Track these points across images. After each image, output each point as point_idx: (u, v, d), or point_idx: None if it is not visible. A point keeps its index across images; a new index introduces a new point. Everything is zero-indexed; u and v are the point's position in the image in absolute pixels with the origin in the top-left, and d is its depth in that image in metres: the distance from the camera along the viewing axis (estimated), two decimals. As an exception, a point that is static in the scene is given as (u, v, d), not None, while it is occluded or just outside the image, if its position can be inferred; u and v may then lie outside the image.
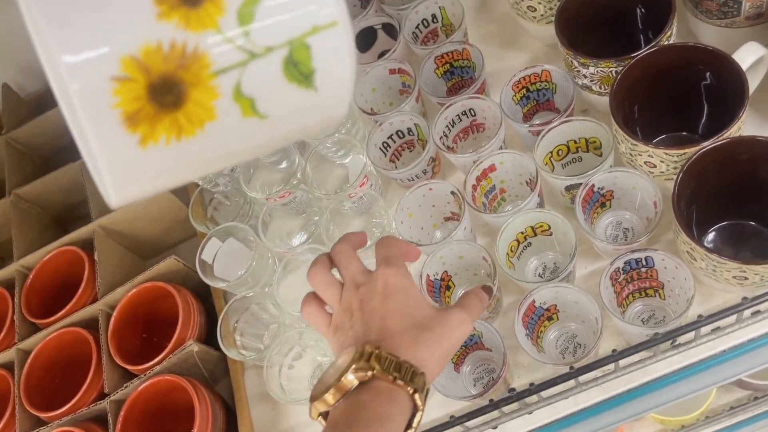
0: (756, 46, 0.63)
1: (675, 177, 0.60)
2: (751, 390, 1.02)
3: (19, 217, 0.92)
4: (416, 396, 0.42)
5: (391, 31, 0.88)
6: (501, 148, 0.74)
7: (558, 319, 0.68)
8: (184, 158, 0.29)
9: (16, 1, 0.27)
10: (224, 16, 0.28)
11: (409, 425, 0.43)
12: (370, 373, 0.41)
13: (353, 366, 0.41)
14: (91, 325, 0.81)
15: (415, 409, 0.43)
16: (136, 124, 0.27)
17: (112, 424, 0.72)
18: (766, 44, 0.65)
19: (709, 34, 0.71)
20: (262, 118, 0.30)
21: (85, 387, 0.75)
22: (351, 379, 0.41)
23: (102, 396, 0.76)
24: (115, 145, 0.27)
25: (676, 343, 0.65)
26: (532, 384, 0.62)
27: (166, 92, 0.27)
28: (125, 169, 0.28)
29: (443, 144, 0.77)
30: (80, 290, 0.81)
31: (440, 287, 0.71)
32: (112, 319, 0.78)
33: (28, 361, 0.79)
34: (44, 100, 1.06)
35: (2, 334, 0.83)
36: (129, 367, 0.76)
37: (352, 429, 0.39)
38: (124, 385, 0.74)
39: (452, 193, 0.72)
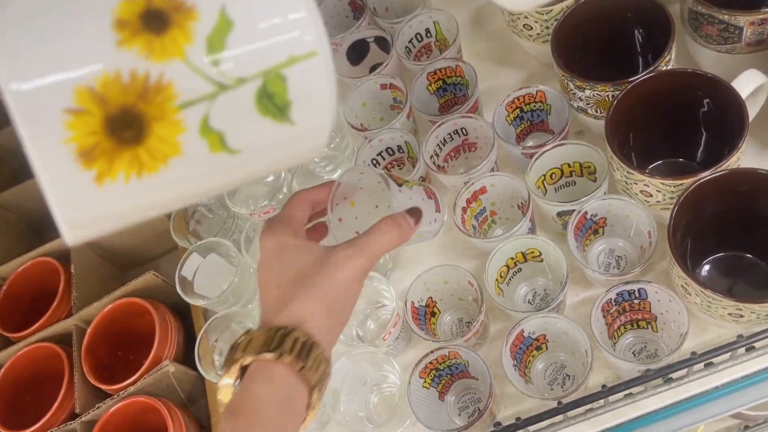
0: (756, 74, 0.61)
1: (671, 207, 0.58)
2: (741, 420, 1.00)
3: (-5, 224, 0.89)
4: (287, 358, 0.38)
5: (383, 44, 0.86)
6: (493, 169, 0.72)
7: (547, 348, 0.66)
8: (145, 196, 0.27)
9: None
10: (192, 44, 0.25)
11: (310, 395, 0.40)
12: (237, 366, 0.39)
13: (224, 365, 0.40)
14: (64, 340, 0.78)
15: (304, 378, 0.39)
16: (91, 160, 0.25)
17: (82, 447, 0.69)
18: (766, 71, 0.63)
19: (709, 60, 0.69)
20: (232, 153, 0.27)
21: (55, 406, 0.72)
22: (225, 384, 0.40)
23: (73, 416, 0.73)
24: (67, 182, 0.24)
25: (668, 377, 0.63)
26: (518, 418, 0.59)
27: (125, 126, 0.25)
28: (79, 207, 0.25)
29: (434, 163, 0.74)
30: (55, 304, 0.79)
31: (425, 314, 0.69)
32: (87, 335, 0.76)
33: (-2, 376, 0.76)
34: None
35: (-28, 347, 0.80)
36: (102, 386, 0.73)
37: (237, 419, 0.38)
38: (96, 405, 0.71)
39: (381, 178, 0.63)
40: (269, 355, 0.38)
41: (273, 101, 0.27)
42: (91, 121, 0.24)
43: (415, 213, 0.47)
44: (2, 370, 0.76)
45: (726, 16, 0.63)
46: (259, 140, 0.28)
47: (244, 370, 0.40)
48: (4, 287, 0.83)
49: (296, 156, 0.30)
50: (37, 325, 0.79)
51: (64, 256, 0.84)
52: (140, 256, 0.91)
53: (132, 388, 0.71)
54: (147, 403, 0.69)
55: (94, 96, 0.24)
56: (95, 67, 0.24)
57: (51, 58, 0.24)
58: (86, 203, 0.25)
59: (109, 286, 0.82)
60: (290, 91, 0.27)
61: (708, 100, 0.63)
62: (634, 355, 0.65)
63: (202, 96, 0.26)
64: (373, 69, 0.85)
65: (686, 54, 0.73)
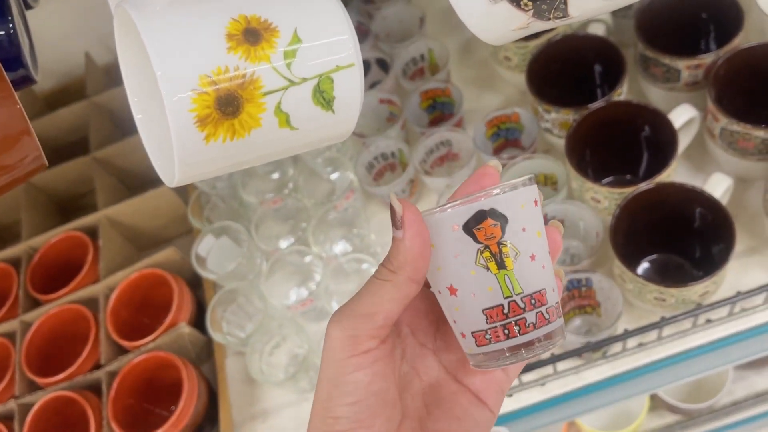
0: (688, 108, 0.75)
1: (613, 213, 0.71)
2: (681, 414, 1.13)
3: (29, 202, 1.00)
4: None
5: (383, 65, 0.99)
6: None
7: (509, 327, 0.79)
8: (233, 154, 0.39)
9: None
10: (274, 53, 0.38)
11: None
12: None
13: None
14: (90, 304, 0.89)
15: None
16: (204, 125, 0.37)
17: (106, 392, 0.80)
18: (700, 107, 0.77)
19: (656, 95, 0.83)
20: (293, 129, 0.40)
21: (82, 358, 0.83)
22: None
23: (97, 367, 0.84)
24: (187, 138, 0.37)
25: (607, 354, 0.76)
26: (481, 378, 0.72)
27: (228, 104, 0.37)
28: (191, 157, 0.37)
29: (422, 168, 0.87)
30: (84, 271, 0.90)
31: None
32: (111, 299, 0.87)
33: (30, 332, 0.87)
34: (55, 98, 1.15)
35: (6, 307, 0.91)
36: (124, 343, 0.84)
37: None
38: (119, 357, 0.82)
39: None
40: None
41: (323, 95, 0.40)
42: (207, 99, 0.36)
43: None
44: (34, 326, 0.87)
45: (667, 61, 0.77)
46: (311, 122, 0.40)
47: None
48: (37, 256, 0.94)
49: (333, 136, 0.43)
50: (66, 289, 0.90)
51: (90, 231, 0.95)
52: (158, 238, 1.02)
53: (151, 344, 0.82)
54: (164, 357, 0.81)
55: (211, 82, 0.36)
56: (213, 63, 0.36)
57: (187, 56, 0.36)
58: (196, 154, 0.37)
59: (128, 262, 0.94)
60: (335, 90, 0.40)
61: (648, 126, 0.77)
62: (581, 335, 0.78)
63: (278, 88, 0.38)
64: (372, 86, 0.98)
65: (638, 89, 0.87)
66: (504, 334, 0.33)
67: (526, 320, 0.33)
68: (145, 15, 0.37)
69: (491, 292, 0.33)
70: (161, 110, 0.36)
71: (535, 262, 0.34)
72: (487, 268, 0.33)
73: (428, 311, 0.37)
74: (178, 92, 0.36)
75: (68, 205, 1.07)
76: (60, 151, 1.07)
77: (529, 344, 0.33)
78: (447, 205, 0.34)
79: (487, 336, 0.34)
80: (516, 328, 0.33)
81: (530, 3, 0.39)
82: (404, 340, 0.37)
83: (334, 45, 0.40)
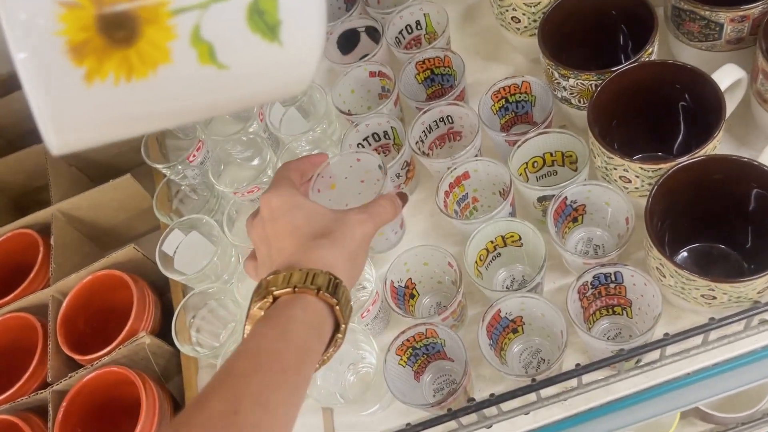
0: (735, 68, 0.63)
1: (650, 191, 0.59)
2: (714, 423, 1.01)
3: (-25, 197, 0.89)
4: (324, 295, 0.43)
5: (374, 34, 0.87)
6: (476, 156, 0.73)
7: (523, 332, 0.67)
8: (133, 103, 0.27)
9: None
10: (187, -48, 0.26)
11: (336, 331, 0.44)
12: (270, 298, 0.42)
13: (254, 298, 0.43)
14: (40, 311, 0.77)
15: (333, 314, 0.44)
16: (82, 56, 0.25)
17: (52, 416, 0.68)
18: (745, 68, 0.65)
19: (690, 57, 0.71)
20: (220, 67, 0.28)
21: (27, 375, 0.71)
22: (255, 311, 0.43)
23: (45, 385, 0.72)
24: (57, 75, 0.25)
25: (641, 362, 0.63)
26: (492, 395, 0.60)
27: (117, 26, 0.25)
28: (67, 103, 0.26)
29: (419, 149, 0.75)
30: (32, 274, 0.78)
31: (404, 295, 0.70)
32: (63, 306, 0.75)
33: (-29, 345, 0.75)
34: (10, 82, 1.03)
35: (-55, 316, 0.79)
36: (76, 357, 0.72)
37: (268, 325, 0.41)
38: (69, 375, 0.70)
39: (380, 167, 0.65)
40: (308, 289, 0.42)
41: (264, 18, 0.28)
42: (84, 15, 0.25)
43: (403, 198, 0.53)
44: (-25, 338, 0.76)
45: (707, 12, 0.65)
46: (247, 57, 0.28)
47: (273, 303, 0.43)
48: (-18, 258, 0.82)
49: (283, 81, 0.31)
50: (12, 295, 0.78)
51: (45, 229, 0.83)
52: (122, 235, 0.90)
53: (106, 358, 0.70)
54: (120, 374, 0.69)
55: (89, -9, 0.25)
56: (91, -37, 0.25)
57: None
58: (75, 100, 0.26)
59: (89, 263, 0.82)
60: (281, 11, 0.28)
61: (687, 91, 0.64)
62: (608, 340, 0.65)
63: (194, 4, 0.26)
64: (362, 58, 0.86)
65: (668, 53, 0.75)
66: None
67: None
68: None
69: None
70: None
71: None
72: None
73: None
74: (37, 5, 0.24)
75: (24, 201, 0.95)
76: (14, 140, 0.95)
77: None
78: None
79: None
80: None
81: None
82: None
83: (279, -55, 0.28)
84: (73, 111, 0.26)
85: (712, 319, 0.57)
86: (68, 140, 0.28)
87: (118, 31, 0.25)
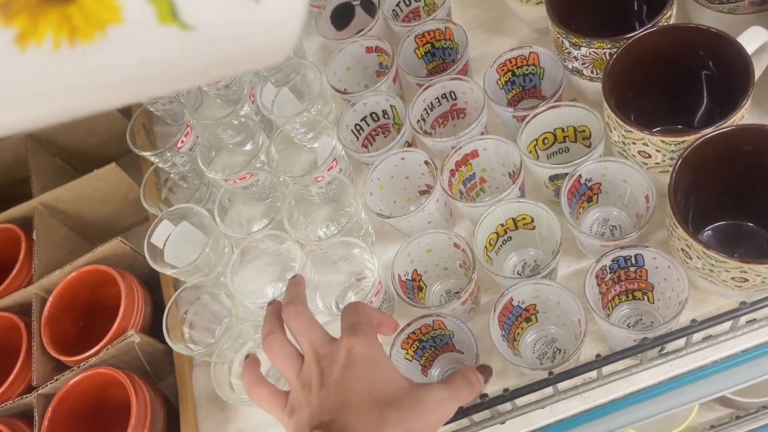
0: (762, 31, 0.58)
1: (672, 167, 0.55)
2: (734, 408, 0.97)
3: (-46, 191, 0.84)
4: None
5: (369, 8, 0.82)
6: (483, 133, 0.69)
7: (537, 320, 0.62)
8: (78, 73, 0.22)
9: None
10: None
11: None
12: None
13: None
14: (24, 310, 0.73)
15: None
16: (11, 14, 0.20)
17: (38, 421, 0.64)
18: None
19: (710, 21, 0.65)
20: (184, 28, 0.23)
21: (11, 378, 0.67)
22: None
23: (29, 389, 0.68)
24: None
25: (665, 351, 0.59)
26: (506, 389, 0.56)
27: (52, -25, 0.21)
28: (-4, 74, 0.21)
29: (420, 128, 0.71)
30: (14, 271, 0.74)
31: (413, 288, 0.65)
32: (48, 304, 0.71)
33: (-49, 348, 0.71)
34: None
35: (-75, 317, 0.75)
36: (62, 358, 0.68)
37: None
38: (55, 377, 0.66)
39: (426, 163, 0.66)
40: None
41: (234, -34, 0.23)
42: (10, -37, 0.20)
43: (484, 370, 0.47)
44: (-44, 341, 0.71)
45: (730, -29, 0.60)
46: (217, 16, 0.24)
47: None
48: (-39, 255, 0.78)
49: (261, 47, 0.26)
50: (-6, 294, 0.74)
51: (27, 223, 0.79)
52: (109, 227, 0.86)
53: (94, 359, 0.66)
54: (109, 375, 0.65)
55: (14, -67, 0.20)
56: None
57: None
58: (6, 70, 0.21)
59: (75, 257, 0.78)
60: (255, -43, 0.24)
61: (711, 57, 0.59)
62: (630, 327, 0.61)
63: (148, -52, 0.22)
64: (357, 33, 0.81)
65: (686, 18, 0.70)
66: None
67: None
68: None
69: None
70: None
71: None
72: None
73: None
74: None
75: (4, 194, 0.91)
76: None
77: None
78: None
79: None
80: None
81: None
82: None
83: None
84: (4, 83, 0.21)
85: (743, 303, 0.53)
86: (2, 119, 0.23)
87: (54, -18, 0.21)
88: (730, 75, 0.58)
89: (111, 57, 0.23)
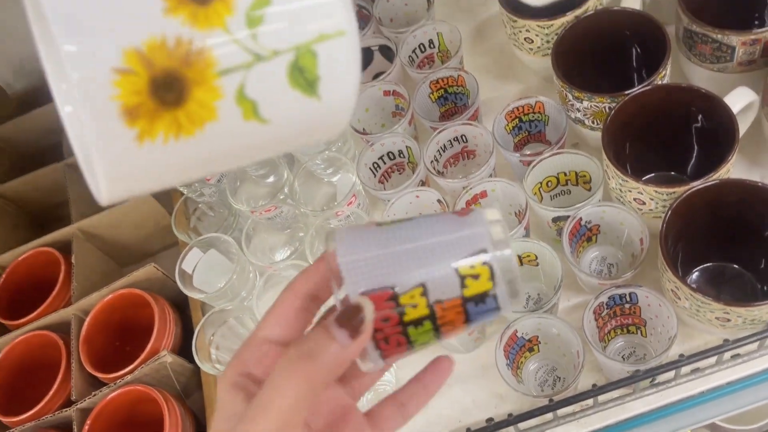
0: (747, 91, 0.64)
1: (663, 215, 0.60)
2: (723, 434, 1.02)
3: (-4, 214, 0.90)
4: None
5: (387, 53, 0.89)
6: (491, 175, 0.74)
7: (539, 350, 0.68)
8: (180, 158, 0.28)
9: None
10: (233, 16, 0.27)
11: None
12: None
13: None
14: (62, 329, 0.79)
15: None
16: (135, 118, 0.26)
17: (77, 433, 0.69)
18: (756, 90, 0.66)
19: (702, 78, 0.72)
20: (263, 122, 0.29)
21: (51, 393, 0.73)
22: None
23: (68, 403, 0.74)
24: (111, 137, 0.26)
25: (656, 381, 0.64)
26: (510, 414, 0.61)
27: (168, 89, 0.26)
28: (119, 163, 0.27)
29: (434, 168, 0.76)
30: (54, 293, 0.79)
31: None
32: (85, 324, 0.76)
33: (-6, 362, 0.77)
34: (30, 99, 1.05)
35: (-31, 333, 0.81)
36: (99, 375, 0.74)
37: None
38: (93, 393, 0.72)
39: (438, 201, 0.72)
40: None
41: (303, 75, 0.29)
42: (137, 81, 0.26)
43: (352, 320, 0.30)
44: (-1, 356, 0.77)
45: (719, 36, 0.66)
46: (288, 112, 0.30)
47: None
48: (3, 275, 0.83)
49: (320, 131, 0.32)
50: (35, 313, 0.79)
51: (65, 247, 0.85)
52: (140, 251, 0.92)
53: (129, 377, 0.72)
54: (143, 392, 0.70)
55: (142, 58, 0.26)
56: (143, 32, 0.26)
57: (103, 22, 0.26)
58: (126, 160, 0.27)
59: (108, 279, 0.83)
60: (320, 67, 0.29)
61: (701, 114, 0.65)
62: (624, 359, 0.66)
63: (239, 65, 0.28)
64: (376, 77, 0.87)
65: (680, 73, 0.76)
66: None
67: None
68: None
69: None
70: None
71: None
72: None
73: None
74: (93, 73, 0.25)
75: (42, 217, 0.97)
76: (32, 157, 0.97)
77: None
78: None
79: None
80: None
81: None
82: None
83: (318, 6, 0.29)
84: (124, 168, 0.27)
85: (726, 340, 0.58)
86: (117, 193, 0.29)
87: (169, 94, 0.27)
88: (718, 131, 0.64)
89: (206, 146, 0.28)
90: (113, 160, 0.27)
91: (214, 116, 0.28)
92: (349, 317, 0.28)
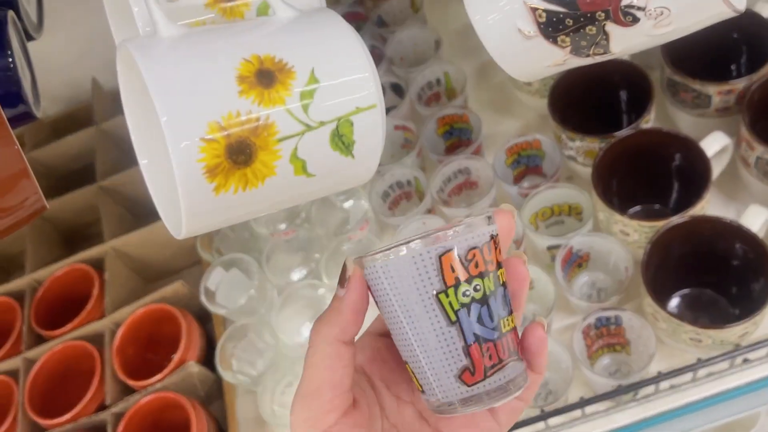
0: (721, 136, 0.71)
1: (645, 246, 0.68)
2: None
3: (33, 232, 0.97)
4: None
5: (398, 90, 0.96)
6: (491, 205, 0.82)
7: (533, 366, 0.75)
8: (245, 204, 0.36)
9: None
10: (290, 96, 0.35)
11: None
12: None
13: None
14: (95, 340, 0.85)
15: None
16: (214, 176, 0.34)
17: (111, 435, 0.76)
18: (731, 134, 0.73)
19: (684, 122, 0.79)
20: (309, 176, 0.36)
21: (87, 398, 0.79)
22: None
23: (102, 408, 0.80)
24: (195, 190, 0.33)
25: (638, 396, 0.71)
26: (506, 423, 0.68)
27: (240, 152, 0.34)
28: (199, 209, 0.34)
29: (440, 198, 0.84)
30: (89, 306, 0.86)
31: None
32: (118, 335, 0.83)
33: (33, 370, 0.83)
34: (60, 125, 1.12)
35: (10, 343, 0.88)
36: (130, 382, 0.81)
37: None
38: (125, 398, 0.79)
39: None
40: None
41: (342, 140, 0.37)
42: (217, 147, 0.33)
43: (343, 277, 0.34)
44: (38, 364, 0.84)
45: (697, 85, 0.73)
46: (329, 168, 0.37)
47: None
48: (42, 290, 0.91)
49: (352, 181, 0.40)
50: (71, 325, 0.86)
51: (96, 263, 0.92)
52: (165, 269, 0.99)
53: (158, 385, 0.79)
54: (172, 398, 0.77)
55: (221, 129, 0.33)
56: (223, 108, 0.33)
57: (194, 101, 0.33)
58: (205, 207, 0.34)
59: (135, 294, 0.91)
60: (355, 133, 0.37)
61: (679, 155, 0.73)
62: (610, 375, 0.73)
63: (294, 133, 0.35)
64: (387, 112, 0.95)
65: (666, 115, 0.84)
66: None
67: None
68: (150, 56, 0.34)
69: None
70: (167, 158, 0.33)
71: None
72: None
73: (399, 361, 0.35)
74: (185, 140, 0.33)
75: (74, 235, 1.04)
76: (66, 179, 1.04)
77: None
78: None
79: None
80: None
81: (567, 39, 0.36)
82: (380, 395, 0.36)
83: (354, 85, 0.37)
84: (203, 212, 0.34)
85: (699, 359, 0.65)
86: (193, 231, 0.36)
87: (240, 156, 0.34)
88: (694, 171, 0.71)
89: (266, 195, 0.36)
90: (195, 207, 0.34)
91: (274, 173, 0.35)
92: (341, 276, 0.33)
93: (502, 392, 0.33)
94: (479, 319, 0.32)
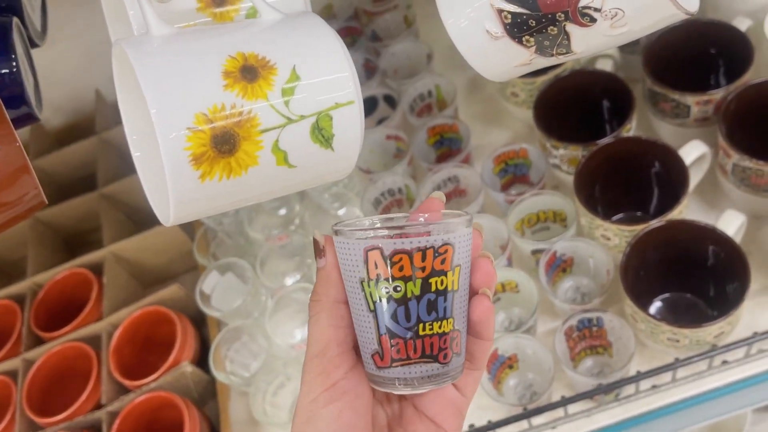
0: (698, 144, 0.74)
1: (624, 249, 0.70)
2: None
3: (35, 237, 1.00)
4: None
5: (390, 101, 0.99)
6: (479, 212, 0.84)
7: (518, 368, 0.77)
8: (230, 193, 0.38)
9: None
10: (272, 91, 0.37)
11: None
12: None
13: None
14: (93, 341, 0.88)
15: None
16: (199, 164, 0.36)
17: (106, 433, 0.78)
18: (710, 143, 0.76)
19: (665, 131, 0.82)
20: (290, 167, 0.39)
21: (84, 397, 0.81)
22: None
23: (98, 407, 0.82)
24: (182, 177, 0.36)
25: (620, 396, 0.73)
26: (489, 421, 0.70)
27: (224, 143, 0.36)
28: (186, 196, 0.37)
29: (429, 205, 0.86)
30: (88, 308, 0.89)
31: None
32: (115, 336, 0.85)
33: (32, 370, 0.85)
34: (64, 135, 1.15)
35: (10, 344, 0.90)
36: (126, 382, 0.83)
37: None
38: (120, 397, 0.81)
39: None
40: None
41: (322, 133, 0.39)
42: (203, 136, 0.36)
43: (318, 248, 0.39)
44: (36, 365, 0.86)
45: (676, 96, 0.76)
46: (309, 160, 0.39)
47: None
48: (42, 293, 0.93)
49: (332, 173, 0.42)
50: (69, 327, 0.89)
51: (96, 268, 0.94)
52: (162, 274, 1.01)
53: (153, 384, 0.81)
54: (167, 398, 0.79)
55: (207, 120, 0.36)
56: (209, 101, 0.36)
57: (182, 94, 0.36)
58: (191, 193, 0.37)
59: (133, 298, 0.93)
60: (334, 127, 0.39)
61: (658, 162, 0.75)
62: (593, 376, 0.75)
63: (275, 125, 0.37)
64: (380, 122, 0.98)
65: (648, 125, 0.86)
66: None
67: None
68: (142, 53, 0.36)
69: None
70: (157, 148, 0.36)
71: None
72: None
73: None
74: (173, 130, 0.35)
75: (75, 241, 1.07)
76: (69, 187, 1.07)
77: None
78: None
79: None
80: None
81: (532, 39, 0.39)
82: None
83: (334, 82, 0.39)
84: (190, 199, 0.37)
85: (676, 359, 0.67)
86: (180, 218, 0.38)
87: (225, 146, 0.36)
88: (673, 178, 0.73)
89: (249, 184, 0.38)
90: (182, 193, 0.37)
91: (256, 162, 0.38)
92: (315, 249, 0.38)
93: (406, 385, 0.35)
94: (394, 316, 0.35)
